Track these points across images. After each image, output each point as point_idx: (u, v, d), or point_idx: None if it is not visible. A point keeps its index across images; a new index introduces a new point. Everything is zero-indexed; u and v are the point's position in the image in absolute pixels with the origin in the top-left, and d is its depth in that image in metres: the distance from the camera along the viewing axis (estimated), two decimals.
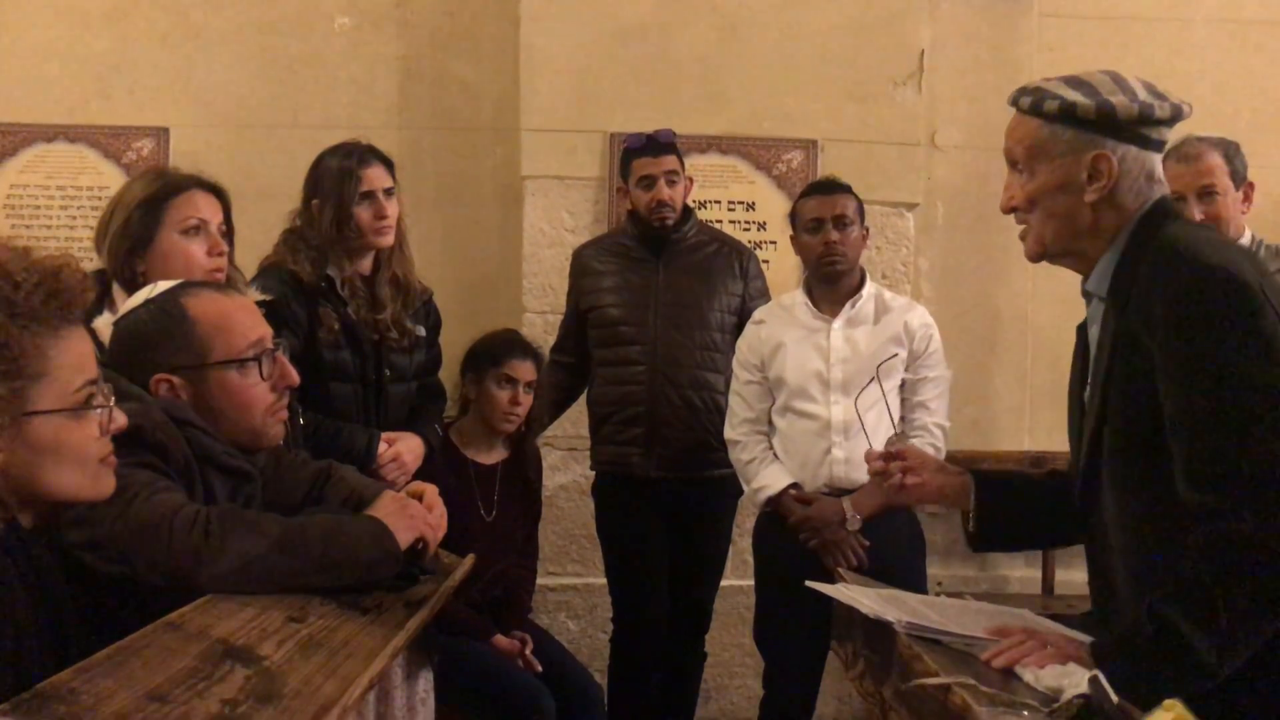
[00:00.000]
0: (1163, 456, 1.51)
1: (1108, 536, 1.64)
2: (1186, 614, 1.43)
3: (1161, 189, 1.64)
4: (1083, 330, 1.76)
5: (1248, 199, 3.01)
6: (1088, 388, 1.68)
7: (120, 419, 1.42)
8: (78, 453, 1.36)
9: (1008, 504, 1.89)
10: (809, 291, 3.06)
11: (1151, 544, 1.55)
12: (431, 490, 1.97)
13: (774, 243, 3.95)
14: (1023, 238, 1.71)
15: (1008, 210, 1.71)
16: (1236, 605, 1.42)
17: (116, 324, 1.85)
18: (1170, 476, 1.51)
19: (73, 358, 1.35)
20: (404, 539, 1.77)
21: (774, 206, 3.96)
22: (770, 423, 3.05)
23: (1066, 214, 1.64)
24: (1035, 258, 1.72)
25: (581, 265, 3.42)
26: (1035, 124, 1.64)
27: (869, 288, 3.05)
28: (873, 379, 2.69)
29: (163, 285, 1.88)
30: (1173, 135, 1.70)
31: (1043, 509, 1.88)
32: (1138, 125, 1.60)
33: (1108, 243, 1.63)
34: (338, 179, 2.77)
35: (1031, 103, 1.64)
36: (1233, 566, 1.42)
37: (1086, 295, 1.71)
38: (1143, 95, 1.61)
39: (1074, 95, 1.61)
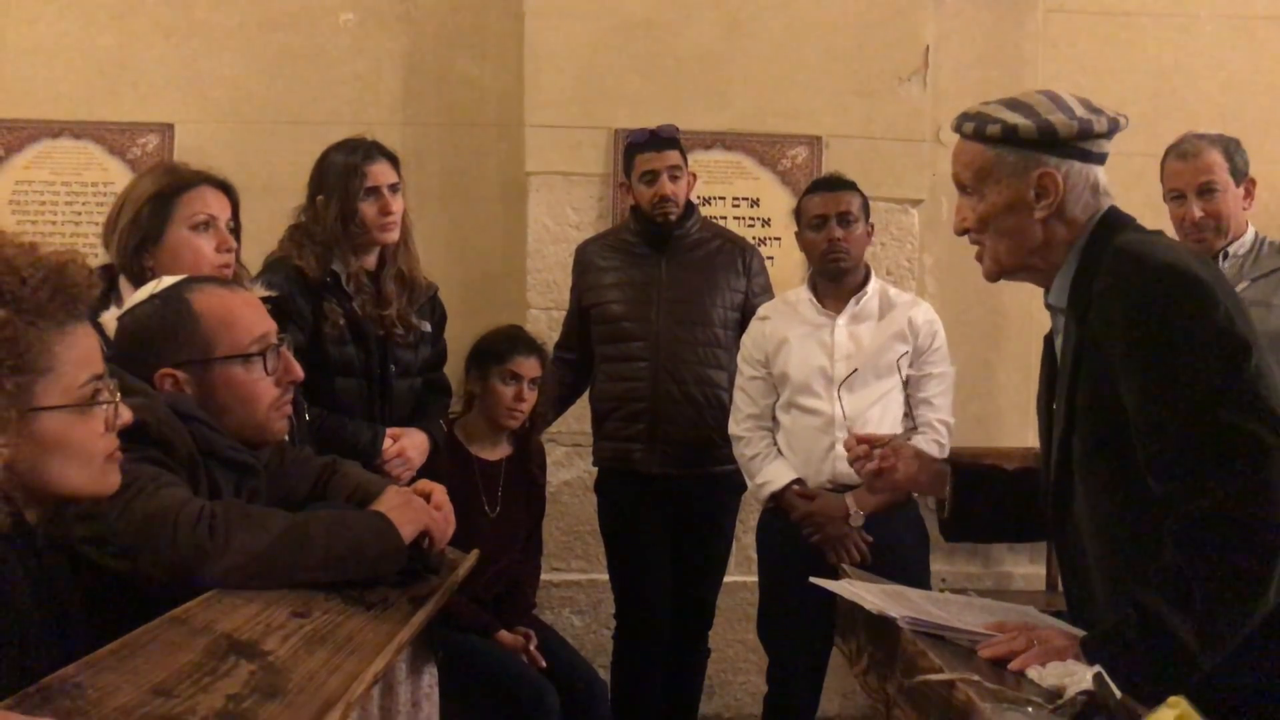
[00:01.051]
0: (1131, 459, 1.54)
1: (1082, 543, 1.67)
2: (1166, 600, 1.45)
3: (1108, 200, 1.69)
4: (1049, 341, 1.80)
5: (1249, 195, 3.00)
6: (1056, 398, 1.71)
7: (125, 414, 1.42)
8: (83, 448, 1.36)
9: (982, 496, 1.93)
10: (813, 288, 3.06)
11: (1127, 546, 1.57)
12: (440, 490, 1.97)
13: (778, 239, 3.95)
14: (979, 258, 1.76)
15: (960, 233, 1.76)
16: (1209, 584, 1.43)
17: (121, 318, 1.85)
18: (1140, 477, 1.53)
19: (78, 353, 1.36)
20: (408, 534, 1.78)
21: (778, 203, 3.96)
22: (774, 418, 3.05)
23: (1017, 232, 1.69)
24: (993, 276, 1.77)
25: (584, 261, 3.42)
26: (979, 148, 1.70)
27: (873, 284, 3.05)
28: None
29: (167, 280, 1.88)
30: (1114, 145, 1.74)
31: (1016, 503, 1.92)
32: (1078, 141, 1.66)
33: (1062, 256, 1.69)
34: (343, 175, 2.77)
35: (974, 128, 1.69)
36: (1201, 546, 1.45)
37: (1050, 308, 1.75)
38: (1080, 112, 1.67)
39: (1015, 118, 1.66)
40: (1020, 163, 1.66)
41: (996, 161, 1.68)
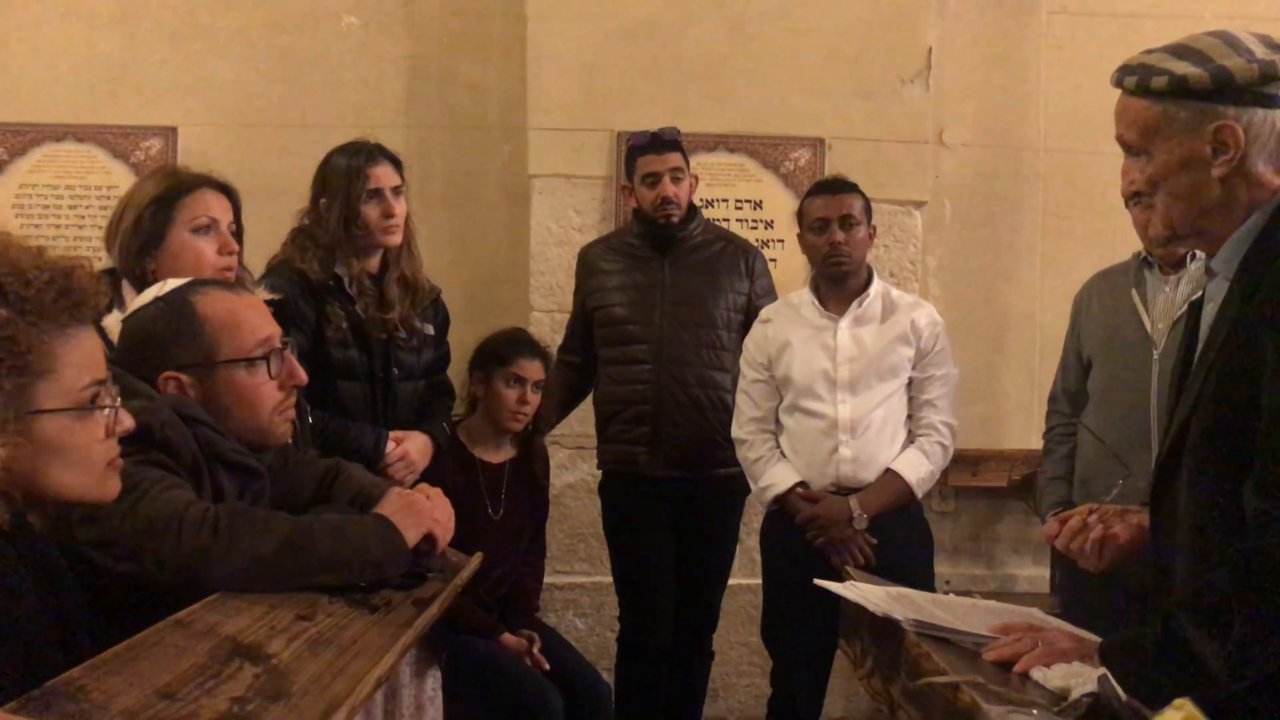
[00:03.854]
0: (1246, 461, 1.43)
1: (1175, 528, 1.56)
2: (1198, 624, 1.38)
3: None
4: (1195, 308, 1.65)
5: None
6: (1192, 369, 1.58)
7: (127, 421, 1.41)
8: (82, 453, 1.35)
9: None
10: (816, 290, 3.05)
11: (1215, 547, 1.46)
12: (437, 493, 1.96)
13: (781, 241, 3.95)
14: (1145, 222, 1.61)
15: (1129, 197, 1.61)
16: (1255, 619, 1.35)
17: (125, 321, 1.85)
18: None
19: (80, 356, 1.35)
20: (411, 537, 1.78)
21: (781, 205, 3.96)
22: (777, 421, 3.05)
23: (1193, 192, 1.52)
24: (1162, 242, 1.62)
25: (588, 264, 3.42)
26: (1145, 104, 1.53)
27: (876, 286, 3.04)
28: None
29: (172, 283, 1.88)
30: None
31: None
32: (1259, 85, 1.48)
33: (1240, 218, 1.52)
34: (346, 177, 2.77)
35: (1138, 82, 1.53)
36: (1262, 578, 1.36)
37: (1209, 272, 1.59)
38: (1260, 52, 1.50)
39: (1183, 67, 1.50)
40: (1193, 116, 1.49)
41: (1165, 117, 1.51)
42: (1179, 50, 1.54)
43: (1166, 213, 1.55)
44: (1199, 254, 2.75)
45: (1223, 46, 1.52)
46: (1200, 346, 1.57)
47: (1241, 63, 1.49)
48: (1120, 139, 1.59)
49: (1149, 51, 1.56)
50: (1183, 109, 1.50)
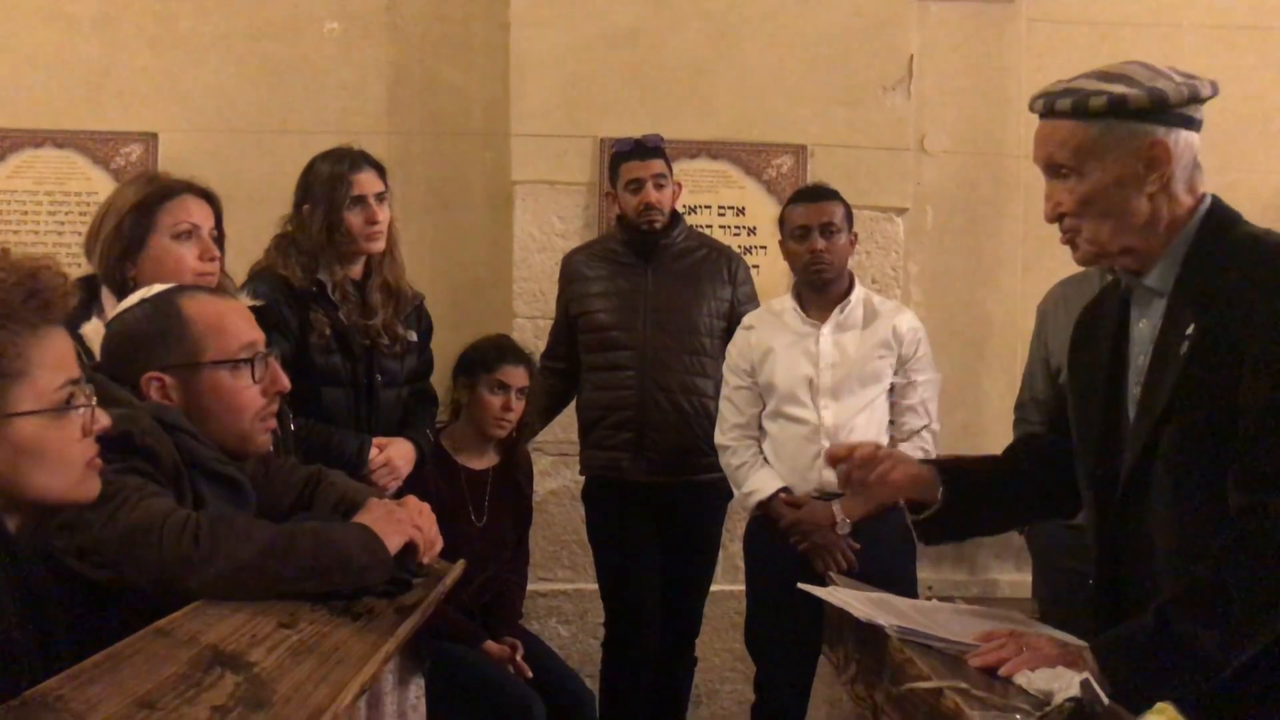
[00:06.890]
0: (1228, 460, 1.48)
1: (1149, 535, 1.59)
2: (1192, 617, 1.42)
3: (1202, 174, 1.60)
4: (1114, 324, 1.70)
5: None
6: (1134, 384, 1.63)
7: (103, 419, 1.40)
8: (60, 454, 1.34)
9: (970, 494, 1.86)
10: (798, 297, 3.06)
11: (1202, 544, 1.49)
12: (412, 500, 1.96)
13: (764, 247, 3.96)
14: (1072, 244, 1.64)
15: (1055, 219, 1.64)
16: (1252, 597, 1.40)
17: (110, 322, 1.85)
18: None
19: (52, 357, 1.34)
20: (393, 544, 1.77)
21: (764, 211, 3.96)
22: (760, 427, 3.05)
23: (1123, 211, 1.58)
24: (1089, 261, 1.66)
25: (571, 271, 3.42)
26: (1076, 125, 1.58)
27: (858, 292, 3.06)
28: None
29: (158, 288, 1.88)
30: None
31: (997, 496, 1.88)
32: (1186, 106, 1.57)
33: (1164, 237, 1.59)
34: (328, 184, 2.77)
35: (1073, 104, 1.58)
36: (1256, 556, 1.40)
37: (1145, 291, 1.64)
38: (1178, 78, 1.58)
39: (1119, 88, 1.56)
40: (1129, 135, 1.56)
41: (1101, 136, 1.57)
42: (1105, 76, 1.60)
43: (1096, 232, 1.61)
44: None
45: (1146, 71, 1.59)
46: (1147, 360, 1.61)
47: (1173, 85, 1.56)
48: (1047, 160, 1.63)
49: (1072, 79, 1.62)
50: (1119, 128, 1.57)
